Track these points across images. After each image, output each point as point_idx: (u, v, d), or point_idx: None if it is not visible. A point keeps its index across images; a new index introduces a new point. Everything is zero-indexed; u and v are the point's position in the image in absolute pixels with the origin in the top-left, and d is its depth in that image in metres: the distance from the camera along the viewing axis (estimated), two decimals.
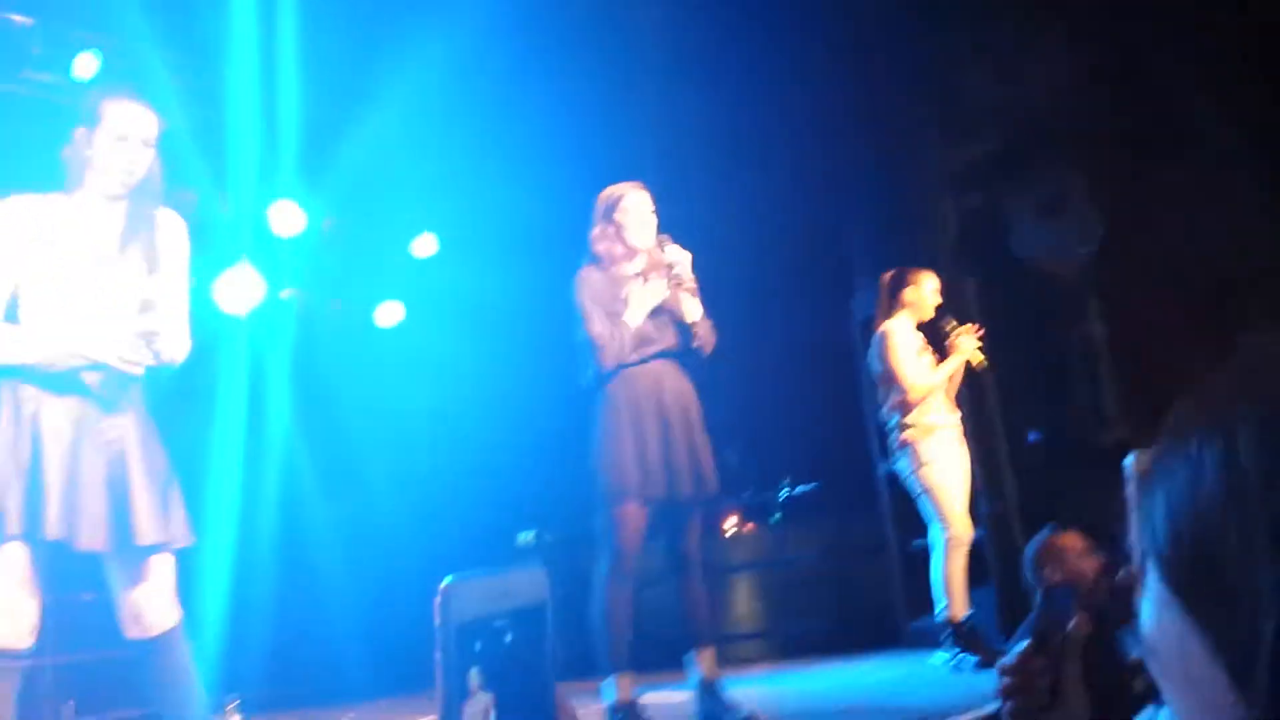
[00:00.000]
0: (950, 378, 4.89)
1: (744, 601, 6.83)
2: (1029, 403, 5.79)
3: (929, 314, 4.93)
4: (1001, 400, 5.59)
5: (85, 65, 5.96)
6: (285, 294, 7.07)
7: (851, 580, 6.08)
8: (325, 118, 7.03)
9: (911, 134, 6.22)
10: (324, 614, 6.68)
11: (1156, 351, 5.57)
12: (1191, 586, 0.49)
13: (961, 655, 4.57)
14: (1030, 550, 3.73)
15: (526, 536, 7.07)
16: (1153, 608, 0.52)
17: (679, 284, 3.83)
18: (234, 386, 6.36)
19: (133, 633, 2.83)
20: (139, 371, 2.81)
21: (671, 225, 3.95)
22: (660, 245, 3.86)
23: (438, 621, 0.74)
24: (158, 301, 2.90)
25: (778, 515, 6.57)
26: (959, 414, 4.91)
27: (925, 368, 4.86)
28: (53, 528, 2.64)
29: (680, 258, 3.85)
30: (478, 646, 0.72)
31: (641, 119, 6.96)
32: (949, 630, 4.63)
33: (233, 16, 6.17)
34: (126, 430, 2.80)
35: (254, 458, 6.42)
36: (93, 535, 2.70)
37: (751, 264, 5.47)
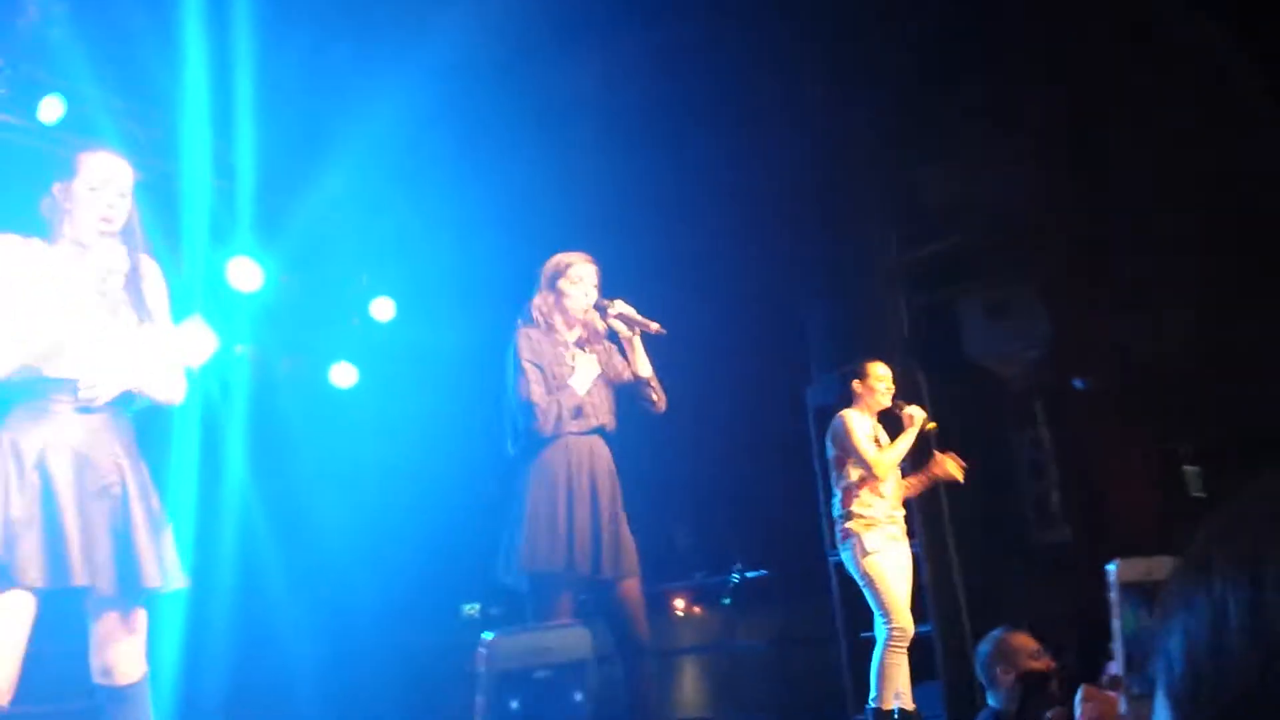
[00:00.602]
0: (911, 484, 4.97)
1: (690, 684, 6.81)
2: (976, 501, 5.91)
3: (883, 403, 5.01)
4: (949, 497, 5.69)
5: (50, 109, 5.93)
6: (239, 349, 7.02)
7: (800, 668, 6.09)
8: (284, 178, 7.07)
9: (870, 229, 6.39)
10: (277, 667, 6.58)
11: (1098, 455, 5.74)
12: None
13: None
14: (983, 649, 3.79)
15: (471, 609, 7.00)
16: None
17: (630, 338, 3.91)
18: (187, 438, 6.29)
19: (100, 681, 2.85)
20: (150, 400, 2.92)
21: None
22: (610, 304, 3.92)
23: (481, 669, 0.76)
24: (154, 346, 2.95)
25: (728, 599, 6.59)
26: (903, 511, 4.95)
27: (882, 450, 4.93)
28: (77, 575, 2.67)
29: (631, 310, 3.92)
30: (514, 705, 0.74)
31: (602, 195, 7.06)
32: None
33: (187, 69, 6.17)
34: (125, 475, 2.84)
35: (208, 510, 6.35)
36: (102, 582, 2.74)
37: (709, 348, 5.55)
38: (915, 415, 4.91)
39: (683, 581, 7.20)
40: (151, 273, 3.08)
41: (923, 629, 5.46)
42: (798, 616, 6.32)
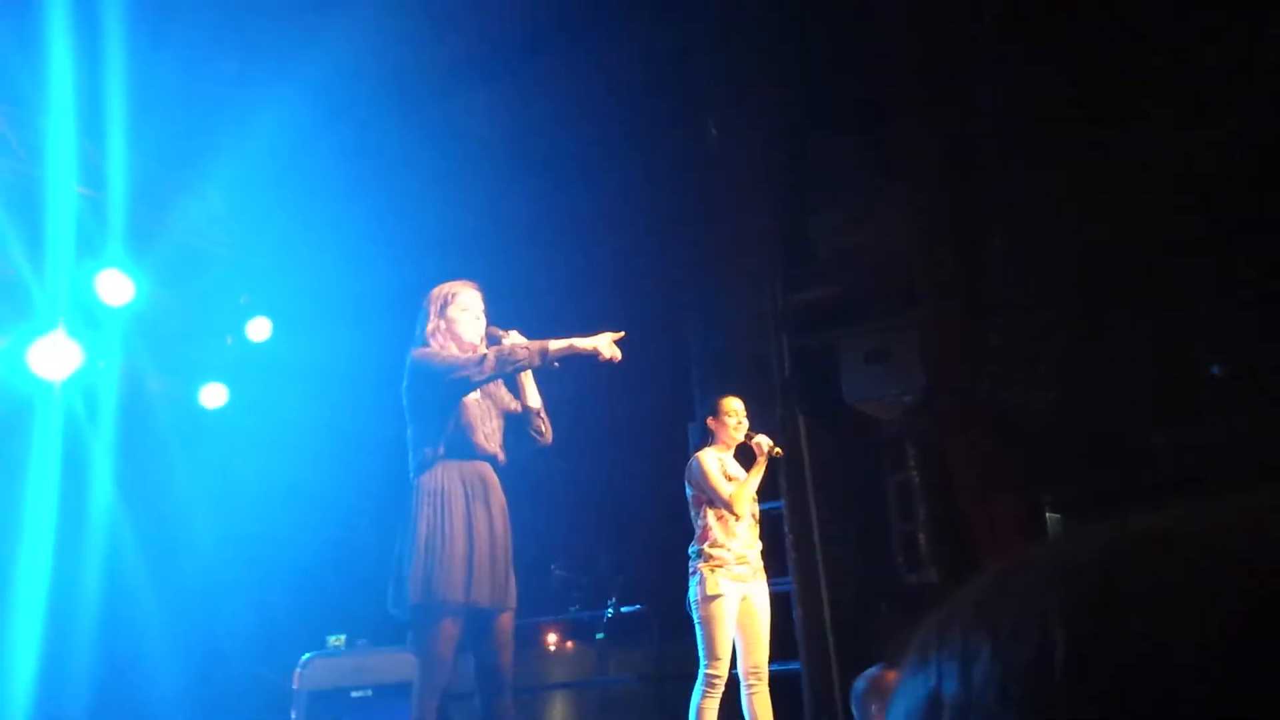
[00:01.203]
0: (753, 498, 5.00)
1: None
2: (849, 541, 6.01)
3: (737, 438, 5.02)
4: (823, 539, 5.78)
5: None
6: (101, 364, 6.77)
7: (671, 704, 6.07)
8: (158, 189, 6.88)
9: (753, 272, 6.47)
10: (139, 698, 6.31)
11: (966, 500, 5.89)
12: None
13: None
14: (858, 686, 3.82)
15: (338, 640, 6.81)
16: None
17: (521, 368, 3.90)
18: (47, 454, 6.05)
19: None
20: None
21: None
22: (504, 335, 3.94)
23: (295, 687, 0.73)
24: None
25: (601, 634, 6.55)
26: (758, 548, 4.96)
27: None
28: None
29: (522, 340, 3.93)
30: (329, 716, 0.72)
31: (484, 217, 7.04)
32: None
33: (52, 71, 5.97)
34: None
35: (70, 528, 6.09)
36: None
37: (590, 381, 5.54)
38: (763, 443, 4.94)
39: (557, 615, 7.14)
40: None
41: (791, 666, 5.52)
42: (670, 652, 6.31)
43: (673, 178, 6.76)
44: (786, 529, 5.72)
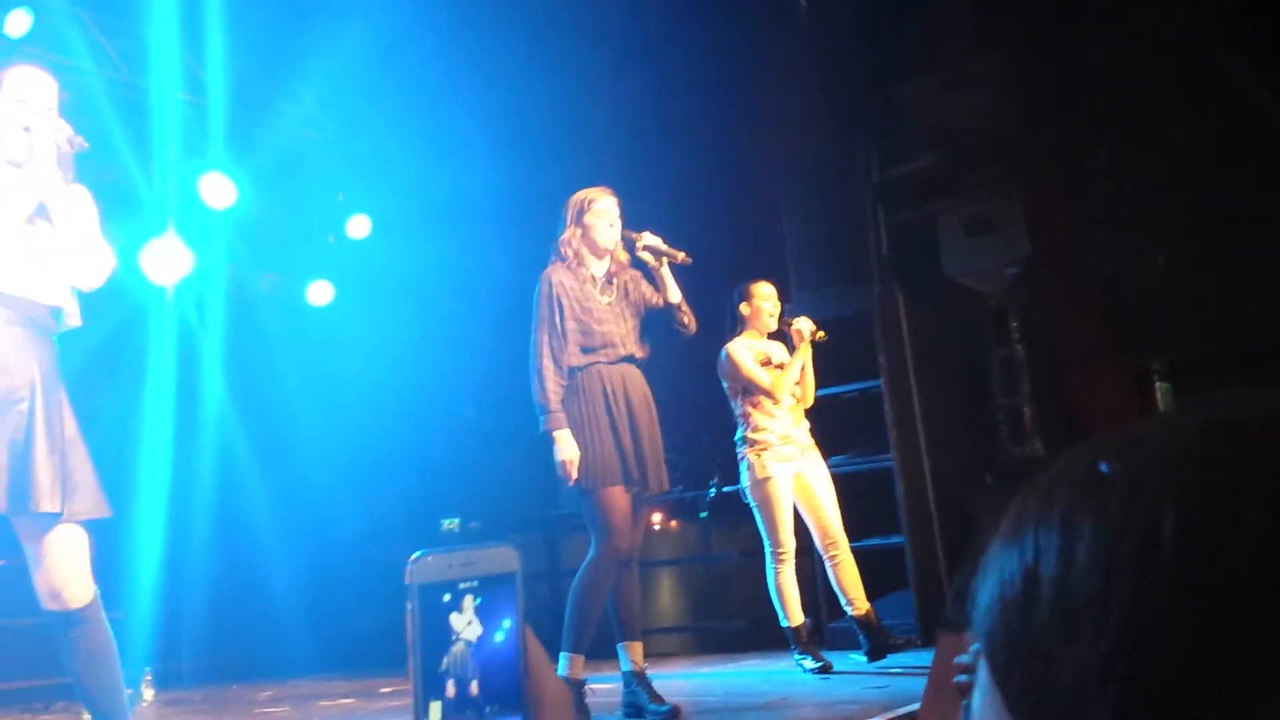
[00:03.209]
0: (801, 378, 4.95)
1: (667, 596, 6.92)
2: (951, 416, 5.96)
3: (770, 326, 4.99)
4: (924, 412, 5.74)
5: (17, 22, 5.82)
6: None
7: None
8: (257, 93, 6.97)
9: (847, 147, 6.34)
10: (256, 588, 6.68)
11: (1072, 371, 5.78)
12: (1011, 681, 0.48)
13: (800, 659, 4.74)
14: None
15: (451, 523, 7.07)
16: (980, 698, 0.51)
17: (658, 267, 4.05)
18: (164, 358, 6.29)
19: (50, 606, 2.81)
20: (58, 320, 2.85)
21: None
22: (637, 237, 4.06)
23: (407, 582, 0.78)
24: (65, 231, 2.87)
25: (704, 513, 6.66)
26: (804, 426, 4.95)
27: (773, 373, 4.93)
28: None
29: (658, 241, 4.06)
30: (446, 598, 0.76)
31: (574, 103, 6.98)
32: (791, 637, 4.81)
33: None
34: (35, 393, 2.77)
35: (186, 429, 6.35)
36: None
37: (689, 267, 5.54)
38: (803, 328, 4.89)
39: (661, 496, 7.26)
40: (80, 196, 2.98)
41: (895, 540, 5.55)
42: None
43: (762, 59, 6.60)
44: (886, 405, 5.69)
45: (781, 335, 5.04)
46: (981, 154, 5.90)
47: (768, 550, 4.82)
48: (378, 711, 4.86)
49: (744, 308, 5.00)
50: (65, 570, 2.78)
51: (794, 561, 4.83)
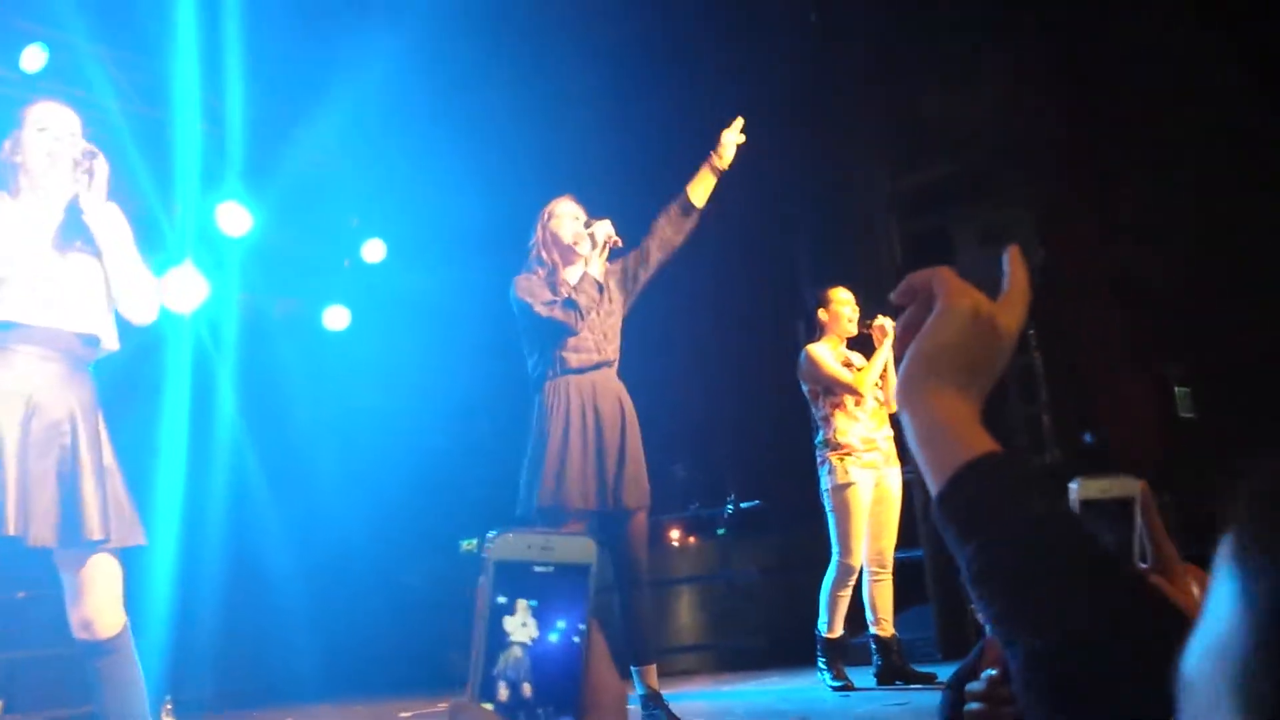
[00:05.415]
0: (883, 380, 4.88)
1: (686, 614, 6.90)
2: None
3: (850, 331, 4.92)
4: None
5: (32, 58, 5.89)
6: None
7: (793, 596, 6.15)
8: (273, 123, 7.02)
9: (861, 155, 6.33)
10: (269, 613, 6.68)
11: (1090, 379, 5.74)
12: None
13: (824, 673, 4.70)
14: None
15: (470, 544, 7.08)
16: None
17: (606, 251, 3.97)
18: (179, 384, 6.33)
19: (81, 636, 2.83)
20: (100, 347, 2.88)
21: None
22: (592, 223, 3.97)
23: (484, 557, 0.78)
24: (112, 271, 2.93)
25: (723, 530, 6.64)
26: (888, 432, 4.84)
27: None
28: (10, 524, 2.64)
29: (602, 226, 3.96)
30: (502, 599, 0.76)
31: (586, 127, 7.00)
32: (819, 644, 4.75)
33: (177, 18, 6.14)
34: (77, 424, 2.80)
35: (200, 455, 6.39)
36: (42, 531, 2.70)
37: (703, 282, 5.55)
38: (886, 325, 4.80)
39: (679, 513, 7.27)
40: (114, 215, 3.02)
41: (914, 554, 5.51)
42: (791, 544, 6.37)
43: (780, 60, 6.58)
44: None
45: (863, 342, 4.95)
46: (996, 163, 5.87)
47: (835, 558, 4.71)
48: None
49: (822, 313, 4.94)
50: (99, 600, 2.81)
51: (856, 579, 4.73)
